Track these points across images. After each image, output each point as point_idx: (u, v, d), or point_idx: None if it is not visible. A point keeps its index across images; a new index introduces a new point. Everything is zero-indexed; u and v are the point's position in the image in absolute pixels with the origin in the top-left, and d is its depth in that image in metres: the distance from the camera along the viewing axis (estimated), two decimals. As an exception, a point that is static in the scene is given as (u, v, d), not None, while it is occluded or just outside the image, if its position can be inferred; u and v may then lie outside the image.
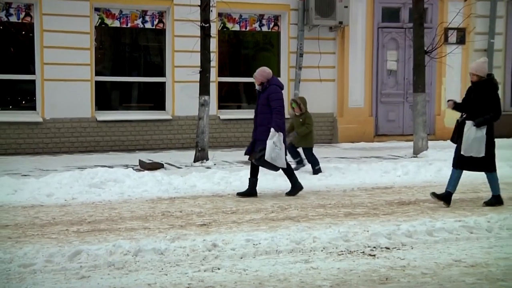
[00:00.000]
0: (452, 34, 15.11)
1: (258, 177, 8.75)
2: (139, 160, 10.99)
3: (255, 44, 15.11)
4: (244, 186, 9.25)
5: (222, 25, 14.23)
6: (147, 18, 13.62)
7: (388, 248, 5.94)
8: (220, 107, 14.24)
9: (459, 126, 8.01)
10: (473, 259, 5.61)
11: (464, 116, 8.01)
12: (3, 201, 8.04)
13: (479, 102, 7.83)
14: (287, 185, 9.39)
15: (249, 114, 14.32)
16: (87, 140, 13.16)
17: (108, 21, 13.41)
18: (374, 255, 5.71)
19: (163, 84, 13.88)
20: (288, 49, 14.57)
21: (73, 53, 12.84)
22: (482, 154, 7.79)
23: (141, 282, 4.92)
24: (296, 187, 8.74)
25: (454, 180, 8.01)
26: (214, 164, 11.12)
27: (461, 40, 15.53)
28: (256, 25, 14.54)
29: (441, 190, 9.00)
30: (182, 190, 8.87)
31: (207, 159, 11.33)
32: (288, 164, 8.70)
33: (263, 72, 8.62)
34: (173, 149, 13.58)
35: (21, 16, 12.77)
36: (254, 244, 5.84)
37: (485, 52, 15.56)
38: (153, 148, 13.58)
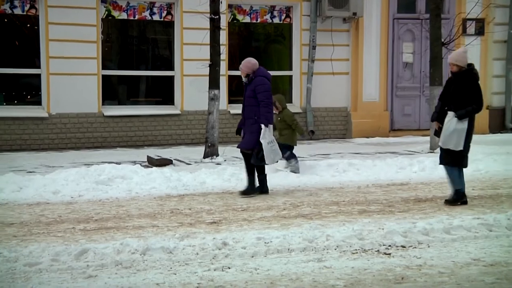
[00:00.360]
0: (471, 25, 14.92)
1: (266, 173, 8.62)
2: (147, 156, 10.93)
3: (266, 36, 15.01)
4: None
5: (232, 17, 14.11)
6: (155, 10, 13.51)
7: (404, 247, 5.87)
8: (230, 101, 14.14)
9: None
10: (492, 258, 5.53)
11: (446, 108, 7.77)
12: (8, 198, 8.02)
13: (460, 93, 7.59)
14: (299, 181, 9.35)
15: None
16: (94, 136, 13.08)
17: (115, 13, 13.31)
18: (390, 254, 5.65)
19: (171, 78, 13.79)
20: (300, 42, 14.44)
21: (79, 46, 12.76)
22: (461, 147, 7.56)
23: (149, 281, 4.88)
24: (252, 187, 8.47)
25: (456, 178, 7.76)
26: (225, 160, 11.04)
27: (479, 31, 15.30)
28: (267, 16, 14.40)
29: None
30: (191, 187, 8.81)
31: (217, 155, 11.24)
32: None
33: (248, 63, 8.42)
34: (182, 144, 13.51)
35: (26, 8, 12.69)
36: (265, 243, 5.79)
37: (505, 43, 15.44)
38: (162, 143, 13.50)
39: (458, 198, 7.74)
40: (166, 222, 6.85)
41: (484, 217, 6.72)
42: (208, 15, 11.17)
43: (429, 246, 5.88)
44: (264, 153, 8.19)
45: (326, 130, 14.84)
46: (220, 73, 11.60)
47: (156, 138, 13.55)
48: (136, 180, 8.85)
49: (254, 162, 8.38)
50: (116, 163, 9.76)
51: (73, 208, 7.59)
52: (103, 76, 13.20)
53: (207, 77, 11.40)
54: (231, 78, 14.12)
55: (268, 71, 8.59)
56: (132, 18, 13.46)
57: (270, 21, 14.50)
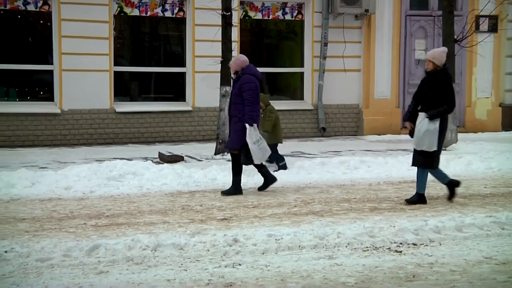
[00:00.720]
0: (484, 22, 14.80)
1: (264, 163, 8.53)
2: (159, 153, 10.93)
3: (278, 33, 14.96)
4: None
5: (244, 13, 14.08)
6: (167, 6, 13.51)
7: (415, 244, 5.84)
8: (242, 97, 14.07)
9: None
10: (504, 256, 5.50)
11: (419, 108, 7.67)
12: (20, 194, 8.05)
13: (433, 93, 7.49)
14: (310, 178, 9.30)
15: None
16: (106, 132, 13.10)
17: (127, 10, 13.32)
18: (401, 252, 5.62)
19: (183, 75, 13.78)
20: (312, 38, 14.38)
21: (92, 42, 12.77)
22: (434, 148, 7.46)
23: (160, 277, 4.88)
24: (235, 189, 8.29)
25: (441, 176, 7.70)
26: (235, 157, 10.98)
27: (493, 28, 15.16)
28: (279, 13, 14.36)
29: (470, 184, 8.82)
30: (202, 184, 8.80)
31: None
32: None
33: (237, 60, 8.31)
34: (193, 141, 13.50)
35: (39, 4, 12.71)
36: (276, 240, 5.77)
37: (518, 40, 15.28)
38: (173, 140, 13.50)
39: (419, 200, 7.64)
40: (177, 219, 6.84)
41: (497, 215, 6.67)
42: (220, 11, 11.15)
43: (440, 244, 5.85)
44: (251, 153, 8.06)
45: (337, 127, 14.79)
46: (232, 70, 11.58)
47: (167, 135, 13.56)
48: (148, 177, 8.85)
49: (245, 163, 8.24)
50: (128, 159, 9.78)
51: (85, 204, 7.60)
52: (115, 72, 13.22)
53: (219, 74, 11.38)
54: (242, 75, 14.09)
55: (258, 70, 8.41)
56: (144, 14, 13.47)
57: (282, 17, 14.46)
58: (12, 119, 12.52)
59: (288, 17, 14.47)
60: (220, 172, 9.35)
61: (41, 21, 13.08)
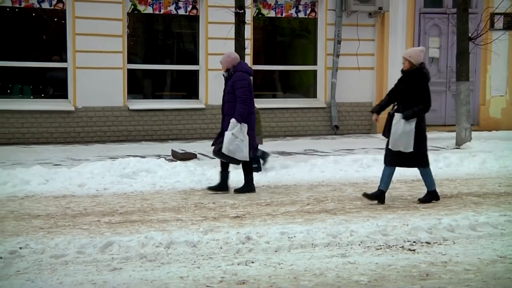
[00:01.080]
0: (499, 20, 14.67)
1: (230, 170, 8.29)
2: (172, 150, 10.94)
3: (291, 31, 14.92)
4: (279, 177, 9.15)
5: (257, 11, 14.06)
6: (180, 4, 13.51)
7: (429, 243, 5.81)
8: (255, 96, 14.00)
9: (390, 118, 7.56)
10: None
11: (395, 107, 7.57)
12: (35, 190, 8.08)
13: (409, 92, 7.40)
14: (323, 176, 9.28)
15: (285, 103, 14.31)
16: (119, 130, 13.14)
17: (141, 8, 13.34)
18: (414, 250, 5.60)
19: (196, 72, 13.78)
20: (325, 36, 14.34)
21: (105, 40, 12.81)
22: (410, 149, 7.35)
23: (173, 275, 4.88)
24: (248, 187, 8.17)
25: (386, 177, 7.56)
26: (249, 154, 10.97)
27: (508, 26, 15.02)
28: (293, 11, 14.32)
29: (484, 183, 8.75)
30: (215, 181, 8.74)
31: (241, 149, 11.17)
32: (250, 160, 8.11)
33: (228, 57, 8.14)
34: (206, 139, 13.46)
35: (53, 2, 12.74)
36: (289, 237, 5.76)
37: (534, 38, 15.12)
38: (186, 138, 13.51)
39: (432, 198, 7.59)
40: (190, 216, 6.85)
41: (511, 214, 6.62)
42: (233, 9, 11.13)
43: (454, 243, 5.81)
44: (224, 142, 7.83)
45: (350, 125, 14.75)
46: (245, 68, 11.57)
47: (180, 132, 13.57)
48: (161, 174, 8.86)
49: (214, 149, 8.08)
50: (141, 156, 9.77)
51: (98, 201, 7.63)
52: (129, 70, 13.25)
53: (232, 72, 11.36)
54: (255, 73, 14.01)
55: (249, 67, 8.31)
56: (157, 12, 13.48)
57: (295, 15, 14.42)
58: (26, 116, 12.60)
59: (301, 15, 14.43)
60: (233, 170, 9.31)
61: (55, 19, 13.14)
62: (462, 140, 12.27)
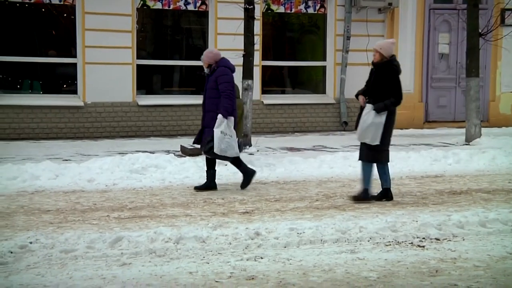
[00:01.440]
0: (509, 16, 14.57)
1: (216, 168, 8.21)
2: (181, 146, 10.94)
3: (300, 26, 14.90)
4: (288, 172, 9.14)
5: (266, 7, 14.05)
6: (189, 0, 13.49)
7: (438, 239, 5.79)
8: (264, 91, 14.09)
9: (362, 111, 7.39)
10: None
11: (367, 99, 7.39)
12: (44, 185, 8.12)
13: (379, 85, 7.25)
14: (332, 172, 9.27)
15: (294, 99, 14.29)
16: (128, 125, 13.17)
17: (150, 3, 13.35)
18: (424, 246, 5.58)
19: (205, 68, 13.76)
20: (334, 32, 14.31)
21: (115, 35, 12.83)
22: (377, 142, 7.18)
23: (182, 270, 4.88)
24: (248, 173, 8.10)
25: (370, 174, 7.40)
26: (257, 151, 11.01)
27: (518, 22, 14.95)
28: (302, 7, 14.29)
29: (494, 179, 8.72)
30: (224, 177, 8.78)
31: (250, 145, 11.22)
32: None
33: (209, 53, 8.07)
34: (215, 134, 13.49)
35: (63, -2, 12.81)
36: (298, 233, 5.75)
37: (544, 35, 14.99)
38: (195, 133, 13.19)
39: (366, 197, 7.35)
40: (199, 212, 6.85)
41: (522, 211, 6.58)
42: (242, 5, 11.12)
43: (464, 239, 5.79)
44: (215, 141, 7.72)
45: (359, 121, 14.68)
46: (254, 64, 11.54)
47: (189, 128, 13.57)
48: (170, 170, 8.88)
49: (203, 149, 7.95)
50: (150, 152, 9.79)
51: (108, 196, 7.65)
52: (138, 65, 13.27)
53: (241, 67, 11.35)
54: (264, 68, 14.08)
55: (231, 63, 8.16)
56: (166, 8, 13.49)
57: (305, 11, 14.39)
58: (36, 111, 12.65)
59: (310, 10, 14.39)
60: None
61: (65, 14, 13.17)
62: (472, 136, 12.22)
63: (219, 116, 7.75)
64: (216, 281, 4.65)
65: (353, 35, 14.17)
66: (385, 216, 6.40)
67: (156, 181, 8.44)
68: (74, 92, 13.03)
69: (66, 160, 9.85)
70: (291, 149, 11.38)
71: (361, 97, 7.44)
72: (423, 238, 5.78)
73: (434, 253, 5.36)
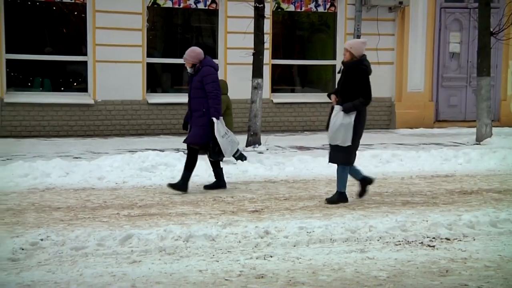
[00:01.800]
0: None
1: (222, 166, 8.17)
2: (191, 144, 10.91)
3: (310, 25, 14.86)
4: (297, 171, 9.14)
5: (276, 5, 14.03)
6: (200, -2, 13.53)
7: (449, 239, 5.77)
8: (273, 90, 14.08)
9: (332, 111, 7.27)
10: None
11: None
12: (55, 183, 8.14)
13: (349, 85, 7.09)
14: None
15: (304, 98, 14.28)
16: (138, 123, 13.19)
17: (161, 1, 13.37)
18: (434, 246, 5.56)
19: (215, 67, 13.76)
20: (344, 31, 14.27)
21: (125, 34, 12.85)
22: (349, 143, 7.04)
23: (192, 268, 4.88)
24: (220, 181, 8.06)
25: (354, 173, 7.29)
26: (267, 149, 11.01)
27: (530, 21, 14.85)
28: (312, 5, 14.27)
29: (505, 179, 8.67)
30: (233, 175, 8.79)
31: (260, 144, 11.22)
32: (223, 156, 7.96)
33: (192, 52, 7.86)
34: (225, 133, 13.49)
35: (74, -4, 12.85)
36: (307, 232, 5.74)
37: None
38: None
39: (340, 199, 7.23)
40: (209, 210, 6.86)
41: (533, 211, 6.54)
42: (253, 3, 11.12)
43: (474, 239, 5.76)
44: (221, 147, 7.71)
45: (369, 120, 14.38)
46: (264, 62, 11.54)
47: (199, 126, 13.57)
48: (179, 168, 8.81)
49: (213, 158, 7.90)
50: (160, 150, 9.80)
51: (118, 194, 7.66)
52: (148, 63, 13.29)
53: (251, 66, 11.37)
54: (274, 67, 14.07)
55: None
56: (177, 6, 13.50)
57: (315, 10, 14.36)
58: (47, 109, 12.70)
59: (320, 9, 14.36)
60: (251, 164, 9.33)
61: (76, 13, 13.21)
62: (483, 136, 12.17)
63: (213, 119, 7.68)
64: (226, 279, 4.66)
65: (364, 33, 14.10)
66: (395, 216, 6.38)
67: (166, 179, 8.41)
68: (85, 90, 13.06)
69: (77, 157, 9.89)
70: (301, 148, 11.37)
71: (333, 96, 7.30)
72: (433, 238, 5.75)
73: (444, 253, 5.33)
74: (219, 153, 7.79)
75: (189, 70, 7.92)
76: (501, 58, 15.06)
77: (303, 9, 14.29)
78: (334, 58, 14.46)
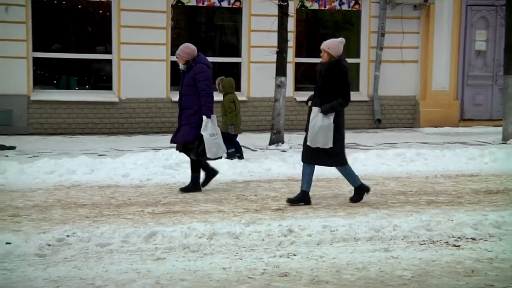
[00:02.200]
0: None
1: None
2: (214, 142, 10.92)
3: (334, 23, 14.82)
4: (320, 170, 9.07)
5: (300, 3, 14.01)
6: (223, -4, 13.56)
7: (474, 239, 5.70)
8: (297, 88, 14.07)
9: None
10: None
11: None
12: (80, 180, 8.22)
13: (327, 86, 6.94)
14: (365, 170, 9.21)
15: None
16: (162, 121, 13.26)
17: (185, 0, 13.40)
18: (459, 246, 5.49)
19: (238, 65, 13.81)
20: (369, 29, 14.21)
21: (150, 32, 12.94)
22: (330, 145, 6.90)
23: (215, 265, 4.89)
24: (195, 185, 7.75)
25: (307, 176, 7.11)
26: (290, 147, 10.99)
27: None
28: (336, 3, 14.23)
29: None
30: (257, 174, 8.80)
31: (283, 142, 11.20)
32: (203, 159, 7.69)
33: (186, 49, 7.69)
34: (248, 131, 13.47)
35: (99, -5, 12.96)
36: (331, 231, 5.71)
37: None
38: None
39: (361, 194, 7.16)
40: (232, 208, 6.86)
41: (560, 211, 6.45)
42: (277, 1, 11.11)
43: (500, 240, 5.68)
44: (205, 146, 7.47)
45: (393, 118, 14.59)
46: (287, 60, 11.52)
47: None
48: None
49: (194, 156, 7.60)
50: (184, 148, 9.83)
51: (142, 191, 7.70)
52: (172, 62, 13.34)
53: (274, 64, 11.36)
54: (298, 65, 14.05)
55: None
56: (201, 4, 13.55)
57: (339, 8, 14.32)
58: (72, 107, 12.83)
59: (344, 7, 14.32)
60: (274, 162, 9.33)
61: (101, 11, 13.32)
62: (509, 135, 12.02)
63: (204, 117, 7.54)
64: (249, 277, 4.65)
65: (388, 32, 14.06)
66: (420, 215, 6.32)
67: (189, 177, 8.41)
68: (109, 88, 13.17)
69: (101, 155, 9.96)
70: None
71: (310, 102, 7.19)
72: (459, 238, 5.69)
73: (470, 253, 5.27)
74: (202, 152, 7.56)
75: (181, 66, 7.76)
76: (529, 56, 14.86)
77: (327, 7, 14.25)
78: (358, 57, 14.40)
